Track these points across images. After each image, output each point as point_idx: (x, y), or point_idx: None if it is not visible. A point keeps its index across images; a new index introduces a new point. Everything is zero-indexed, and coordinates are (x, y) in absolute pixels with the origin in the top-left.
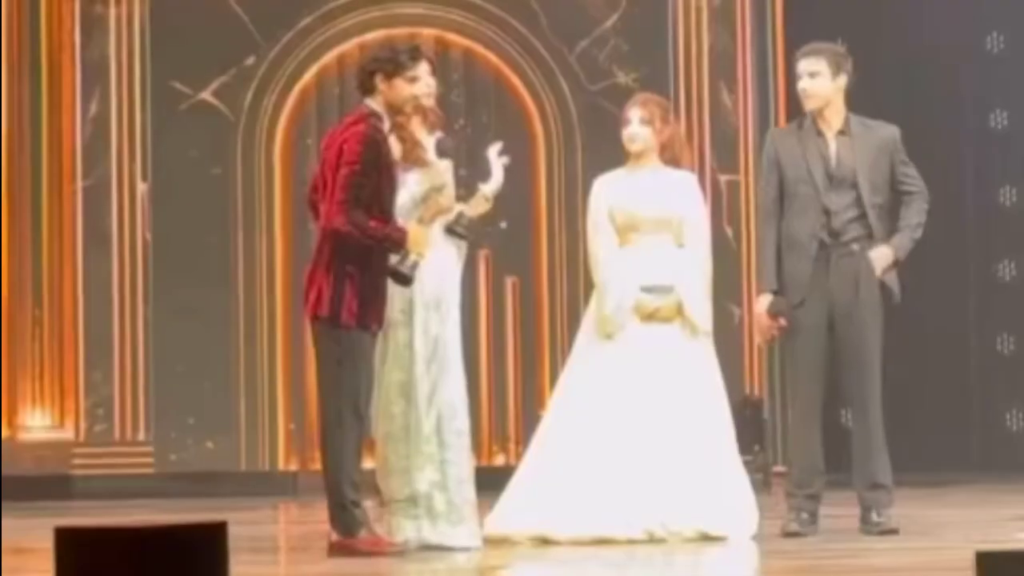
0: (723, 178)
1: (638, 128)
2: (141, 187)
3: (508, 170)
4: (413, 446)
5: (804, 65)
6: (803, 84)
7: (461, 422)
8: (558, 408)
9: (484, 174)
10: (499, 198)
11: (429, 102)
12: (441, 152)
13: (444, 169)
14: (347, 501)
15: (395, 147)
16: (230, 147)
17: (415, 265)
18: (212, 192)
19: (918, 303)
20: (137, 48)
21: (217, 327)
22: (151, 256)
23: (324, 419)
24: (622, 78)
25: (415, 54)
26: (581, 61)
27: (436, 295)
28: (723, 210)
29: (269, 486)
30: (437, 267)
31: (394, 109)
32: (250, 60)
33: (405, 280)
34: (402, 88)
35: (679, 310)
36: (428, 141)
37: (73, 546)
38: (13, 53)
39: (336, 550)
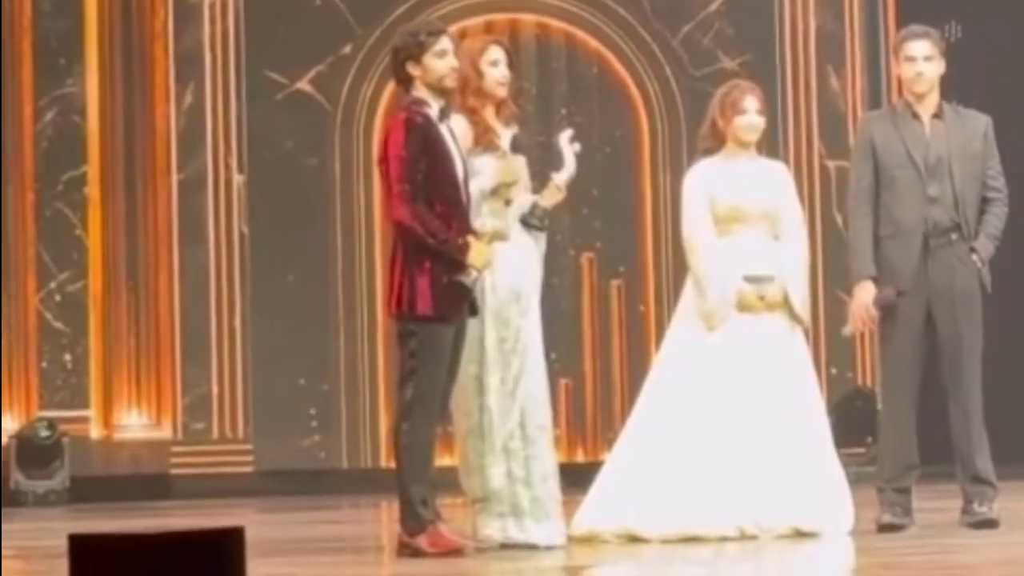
0: (832, 164)
1: (757, 118)
2: (237, 179)
3: (612, 163)
4: (488, 443)
5: (918, 48)
6: (919, 68)
7: (544, 416)
8: (649, 402)
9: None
10: (603, 194)
11: (503, 92)
12: (517, 148)
13: (520, 166)
14: (414, 499)
15: (466, 133)
16: (327, 138)
17: (475, 281)
18: (309, 184)
19: None
20: (232, 37)
21: (316, 322)
22: (248, 250)
23: (396, 413)
24: (727, 63)
25: (433, 29)
26: (685, 45)
27: (514, 288)
28: (832, 197)
29: (372, 484)
30: (513, 260)
31: (436, 88)
32: (347, 49)
33: (465, 291)
34: (434, 64)
35: (781, 301)
36: (504, 133)
37: (87, 553)
38: (106, 44)
39: (402, 549)
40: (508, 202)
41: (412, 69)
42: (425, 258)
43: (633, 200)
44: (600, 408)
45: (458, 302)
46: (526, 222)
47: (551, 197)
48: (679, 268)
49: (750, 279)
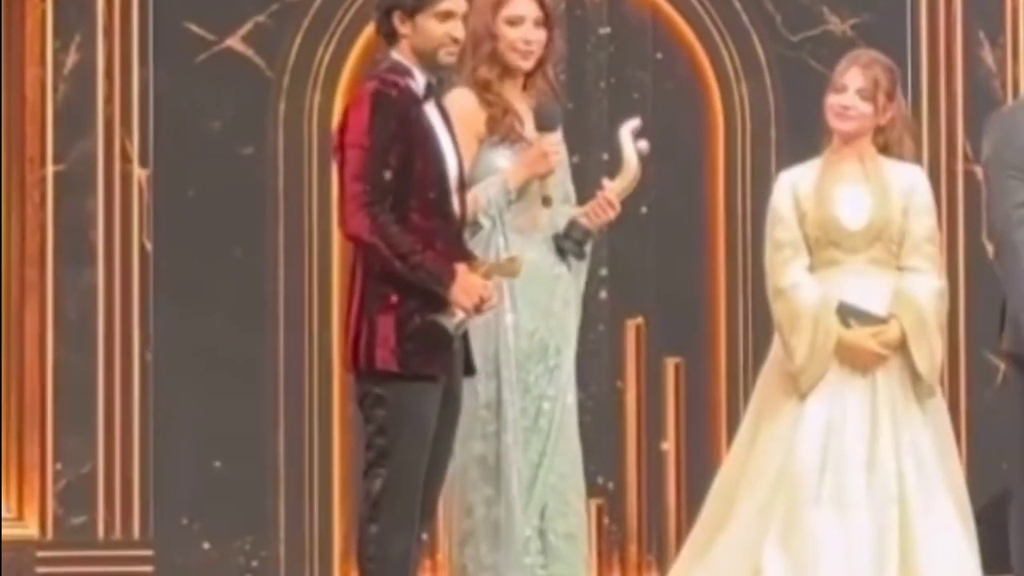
0: (981, 171)
1: (855, 100)
2: (139, 173)
3: (670, 171)
4: (503, 552)
5: None
6: None
7: (574, 522)
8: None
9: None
10: (656, 218)
11: (524, 63)
12: (543, 123)
13: (548, 148)
14: None
15: (475, 115)
16: (269, 117)
17: (462, 324)
18: (242, 182)
19: None
20: None
21: (246, 377)
22: (152, 275)
23: (361, 512)
24: (836, 24)
25: None
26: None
27: (538, 338)
28: (980, 216)
29: None
30: (539, 298)
31: (426, 58)
32: None
33: (446, 337)
34: (430, 28)
35: (899, 349)
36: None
37: None
38: None
39: None
40: (547, 201)
41: (400, 24)
42: (390, 290)
43: (699, 229)
44: (647, 529)
45: (436, 353)
46: (561, 246)
47: (599, 213)
48: (763, 337)
49: (850, 313)
